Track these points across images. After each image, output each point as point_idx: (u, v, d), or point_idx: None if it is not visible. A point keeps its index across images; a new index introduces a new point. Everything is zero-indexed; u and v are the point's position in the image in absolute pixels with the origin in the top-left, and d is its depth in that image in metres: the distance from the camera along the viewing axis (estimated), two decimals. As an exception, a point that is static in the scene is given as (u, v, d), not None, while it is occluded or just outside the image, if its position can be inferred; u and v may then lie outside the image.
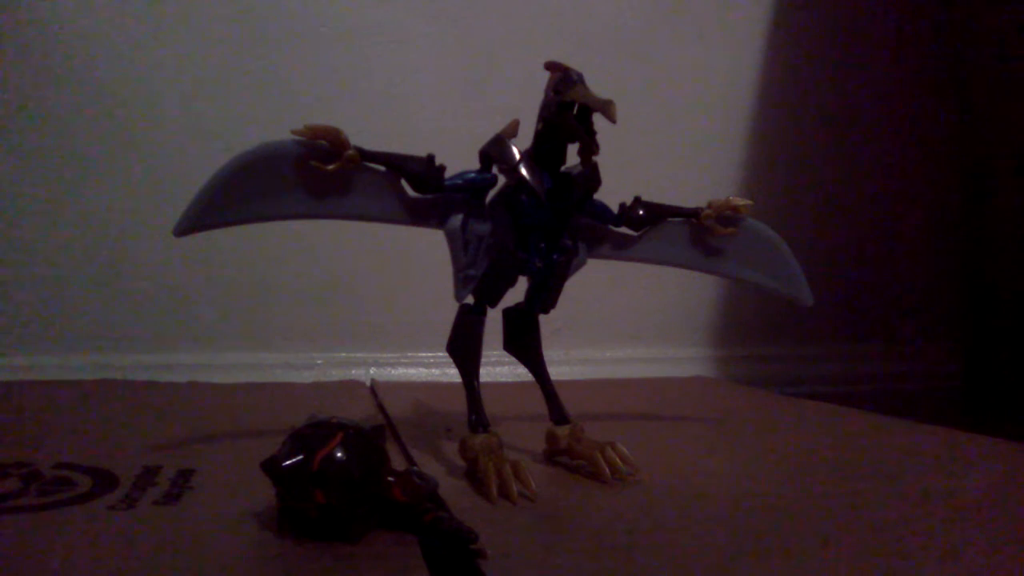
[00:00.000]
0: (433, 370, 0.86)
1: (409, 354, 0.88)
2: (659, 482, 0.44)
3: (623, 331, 0.95)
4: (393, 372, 0.87)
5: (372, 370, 0.86)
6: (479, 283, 0.44)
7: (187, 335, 0.84)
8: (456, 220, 0.44)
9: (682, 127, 0.97)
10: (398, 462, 0.40)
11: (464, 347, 0.45)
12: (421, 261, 0.76)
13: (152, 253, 0.82)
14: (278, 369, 0.84)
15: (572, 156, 0.43)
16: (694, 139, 0.97)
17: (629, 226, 0.49)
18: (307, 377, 0.83)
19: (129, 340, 0.82)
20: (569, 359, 0.89)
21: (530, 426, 0.51)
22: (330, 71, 0.86)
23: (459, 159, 0.44)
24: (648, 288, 0.93)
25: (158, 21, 0.83)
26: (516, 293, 0.46)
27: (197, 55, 0.84)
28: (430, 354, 0.87)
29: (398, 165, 0.43)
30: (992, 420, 0.92)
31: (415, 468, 0.35)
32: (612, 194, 0.48)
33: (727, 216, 0.50)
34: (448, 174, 0.44)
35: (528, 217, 0.43)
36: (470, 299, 0.45)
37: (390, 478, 0.33)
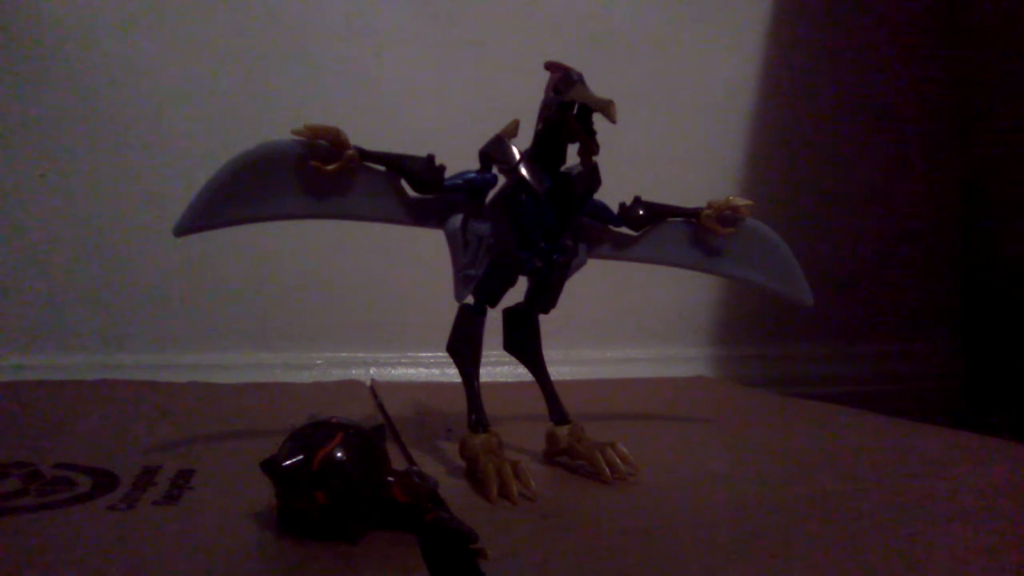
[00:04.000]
0: (433, 370, 0.86)
1: (409, 354, 0.88)
2: (659, 482, 0.44)
3: (623, 331, 0.95)
4: (393, 372, 0.87)
5: (372, 370, 0.86)
6: (479, 283, 0.44)
7: (187, 335, 0.84)
8: (456, 220, 0.44)
9: (682, 127, 0.97)
10: (398, 462, 0.40)
11: (464, 347, 0.46)
12: (421, 261, 0.76)
13: (152, 253, 0.82)
14: (278, 369, 0.84)
15: (572, 156, 0.43)
16: (694, 139, 0.97)
17: (629, 226, 0.49)
18: (307, 377, 0.83)
19: (129, 340, 0.82)
20: (569, 359, 0.89)
21: (530, 426, 0.51)
22: (330, 71, 0.86)
23: (459, 159, 0.44)
24: (648, 288, 0.93)
25: (158, 22, 0.83)
26: (516, 293, 0.46)
27: (196, 55, 0.84)
28: (430, 354, 0.87)
29: (398, 165, 0.43)
30: (992, 420, 0.92)
31: (415, 468, 0.35)
32: (612, 194, 0.48)
33: (727, 216, 0.50)
34: (448, 174, 0.44)
35: (528, 217, 0.43)
36: (470, 299, 0.45)
37: (390, 478, 0.33)
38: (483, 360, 0.45)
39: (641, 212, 0.49)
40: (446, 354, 0.46)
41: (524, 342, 0.48)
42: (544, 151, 0.43)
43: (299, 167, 0.41)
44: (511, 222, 0.44)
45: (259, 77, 0.85)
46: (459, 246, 0.44)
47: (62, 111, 0.81)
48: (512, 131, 0.44)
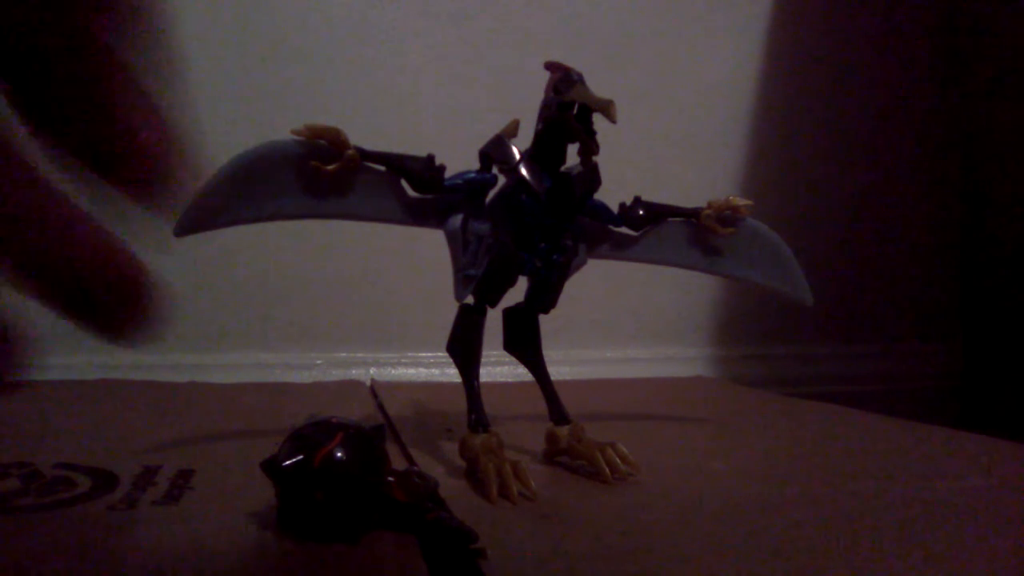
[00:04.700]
0: (433, 370, 0.86)
1: (409, 354, 0.88)
2: (659, 482, 0.44)
3: (623, 331, 0.95)
4: (393, 372, 0.87)
5: (372, 370, 0.86)
6: (479, 283, 0.44)
7: (187, 335, 0.84)
8: (456, 220, 0.44)
9: (682, 127, 0.97)
10: (398, 462, 0.40)
11: (464, 347, 0.45)
12: (421, 261, 0.76)
13: (151, 253, 0.82)
14: (278, 369, 0.84)
15: (572, 156, 0.44)
16: (694, 139, 0.97)
17: (629, 226, 0.49)
18: (307, 377, 0.83)
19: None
20: (569, 359, 0.89)
21: (530, 426, 0.51)
22: (330, 71, 0.86)
23: (459, 159, 0.44)
24: (648, 288, 0.93)
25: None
26: (516, 293, 0.46)
27: (196, 54, 0.84)
28: (430, 354, 0.87)
29: (398, 165, 0.43)
30: (992, 420, 0.92)
31: (415, 468, 0.35)
32: (612, 194, 0.48)
33: (727, 216, 0.50)
34: (448, 174, 0.44)
35: (528, 217, 0.43)
36: (470, 299, 0.45)
37: (390, 478, 0.33)
38: (483, 360, 0.45)
39: (641, 212, 0.49)
40: (446, 354, 0.46)
41: (524, 342, 0.48)
42: (544, 151, 0.43)
43: (299, 167, 0.41)
44: (511, 222, 0.44)
45: (259, 77, 0.85)
46: (459, 246, 0.44)
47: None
48: (512, 131, 0.44)
